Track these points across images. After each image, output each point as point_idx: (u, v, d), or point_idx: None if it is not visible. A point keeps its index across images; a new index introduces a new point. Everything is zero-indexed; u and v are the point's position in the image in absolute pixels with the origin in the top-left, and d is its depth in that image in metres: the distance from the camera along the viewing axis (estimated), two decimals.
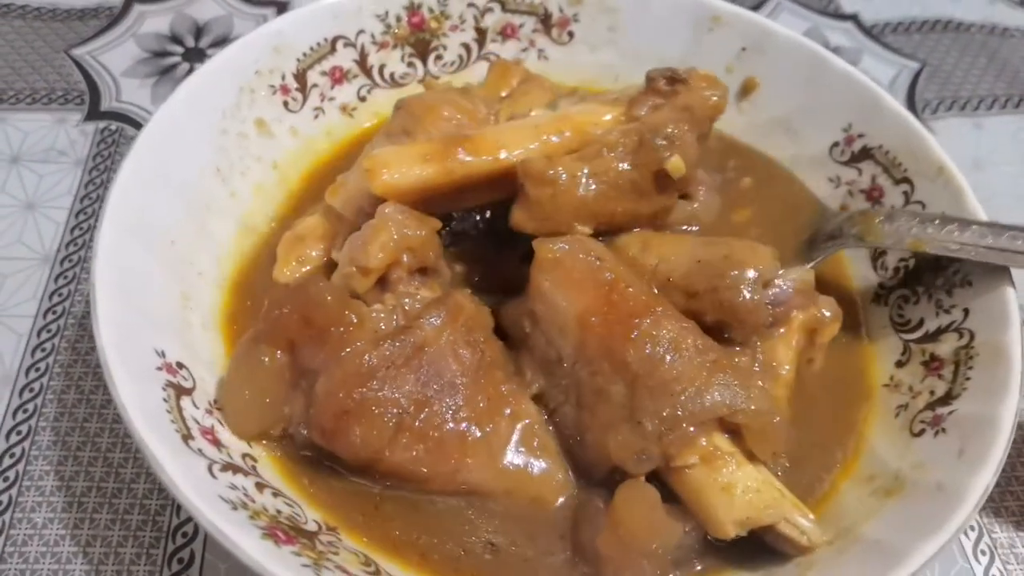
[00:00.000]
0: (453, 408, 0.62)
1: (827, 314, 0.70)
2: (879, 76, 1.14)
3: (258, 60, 0.83)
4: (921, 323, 0.74)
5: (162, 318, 0.66)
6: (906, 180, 0.80)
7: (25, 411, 0.74)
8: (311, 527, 0.59)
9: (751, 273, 0.65)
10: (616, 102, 0.73)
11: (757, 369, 0.66)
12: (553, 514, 0.63)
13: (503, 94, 0.84)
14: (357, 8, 0.88)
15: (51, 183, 0.92)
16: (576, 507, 0.63)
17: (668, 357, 0.59)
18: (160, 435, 0.55)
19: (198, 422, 0.60)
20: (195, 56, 1.08)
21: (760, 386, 0.61)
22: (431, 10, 0.91)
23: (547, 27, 0.95)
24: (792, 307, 0.68)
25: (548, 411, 0.65)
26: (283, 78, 0.85)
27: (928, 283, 0.75)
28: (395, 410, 0.60)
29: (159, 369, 0.61)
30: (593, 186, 0.67)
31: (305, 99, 0.87)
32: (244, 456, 0.62)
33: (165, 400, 0.59)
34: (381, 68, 0.91)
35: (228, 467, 0.58)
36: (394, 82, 0.92)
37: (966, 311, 0.70)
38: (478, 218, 0.79)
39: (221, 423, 0.63)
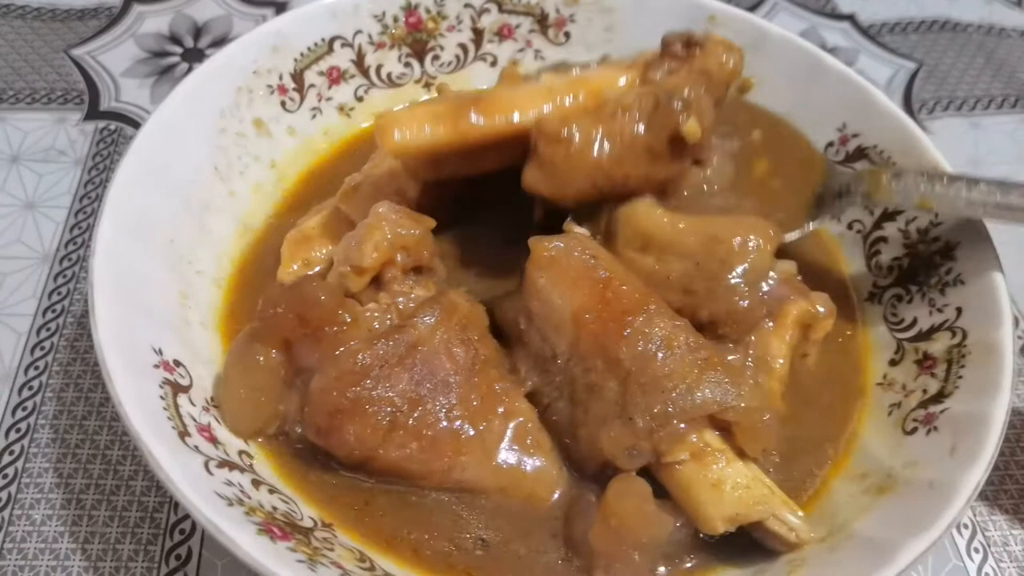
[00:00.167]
0: (447, 406, 0.63)
1: (821, 310, 0.70)
2: (876, 76, 1.15)
3: (256, 60, 0.83)
4: (915, 322, 0.74)
5: (160, 316, 0.66)
6: None
7: (24, 409, 0.74)
8: (307, 523, 0.59)
9: (741, 267, 0.65)
10: (632, 66, 0.72)
11: (750, 363, 0.67)
12: (547, 511, 0.63)
13: None
14: (354, 8, 0.88)
15: (51, 182, 0.93)
16: (568, 502, 0.63)
17: (660, 354, 0.60)
18: (157, 432, 0.55)
19: (195, 419, 0.61)
20: (194, 56, 1.09)
21: (751, 384, 0.62)
22: (428, 11, 0.92)
23: (544, 28, 0.95)
24: (781, 298, 0.68)
25: (542, 408, 0.66)
26: (281, 78, 0.85)
27: (922, 282, 0.75)
28: (389, 408, 0.61)
29: (156, 367, 0.62)
30: (607, 148, 0.66)
31: (303, 99, 0.87)
32: (240, 453, 0.62)
33: (162, 397, 0.59)
34: (378, 68, 0.92)
35: (224, 464, 0.59)
36: (391, 82, 0.92)
37: (959, 310, 0.71)
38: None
39: (218, 420, 0.63)
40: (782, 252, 0.75)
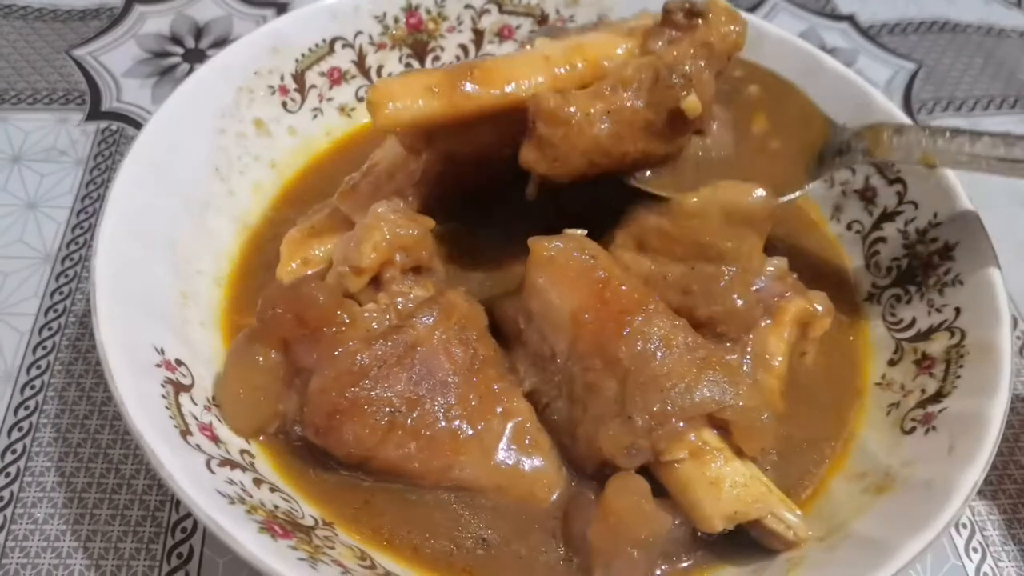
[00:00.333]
0: (445, 406, 0.63)
1: (819, 308, 0.71)
2: (876, 77, 1.15)
3: (257, 60, 0.83)
4: (913, 322, 0.74)
5: (161, 315, 0.66)
6: (899, 180, 0.80)
7: (26, 408, 0.75)
8: (308, 522, 0.60)
9: (732, 268, 0.66)
10: (631, 33, 0.70)
11: (748, 363, 0.67)
12: (546, 511, 0.63)
13: None
14: (355, 9, 0.89)
15: (52, 182, 0.93)
16: (567, 500, 0.63)
17: (659, 354, 0.60)
18: (159, 431, 0.56)
19: (196, 418, 0.61)
20: (195, 57, 1.09)
21: (749, 383, 0.62)
22: (429, 11, 0.92)
23: None
24: (778, 296, 0.69)
25: (541, 407, 0.66)
26: (282, 79, 0.86)
27: (920, 282, 0.76)
28: (387, 408, 0.61)
29: (158, 366, 0.62)
30: (606, 125, 0.65)
31: (303, 99, 0.88)
32: (242, 452, 0.62)
33: (164, 396, 0.60)
34: (379, 69, 0.92)
35: (226, 463, 0.59)
36: None
37: (957, 310, 0.71)
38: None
39: (219, 419, 0.63)
40: (777, 249, 0.76)
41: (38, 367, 0.78)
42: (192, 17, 1.14)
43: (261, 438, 0.65)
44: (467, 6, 0.93)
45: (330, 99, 0.90)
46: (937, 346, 0.71)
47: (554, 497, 0.64)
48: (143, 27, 1.12)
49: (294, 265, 0.74)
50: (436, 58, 0.94)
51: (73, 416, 0.74)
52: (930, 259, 0.75)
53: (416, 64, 0.93)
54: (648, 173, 0.71)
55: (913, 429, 0.67)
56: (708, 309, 0.67)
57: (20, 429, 0.73)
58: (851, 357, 0.76)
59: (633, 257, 0.71)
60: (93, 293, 0.61)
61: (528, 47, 0.71)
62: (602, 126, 0.65)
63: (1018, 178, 0.66)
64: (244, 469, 0.60)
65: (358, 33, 0.90)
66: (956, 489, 0.58)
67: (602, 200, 0.79)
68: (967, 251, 0.73)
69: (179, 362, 0.64)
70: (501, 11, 0.94)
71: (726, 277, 0.67)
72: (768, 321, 0.69)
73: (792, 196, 0.73)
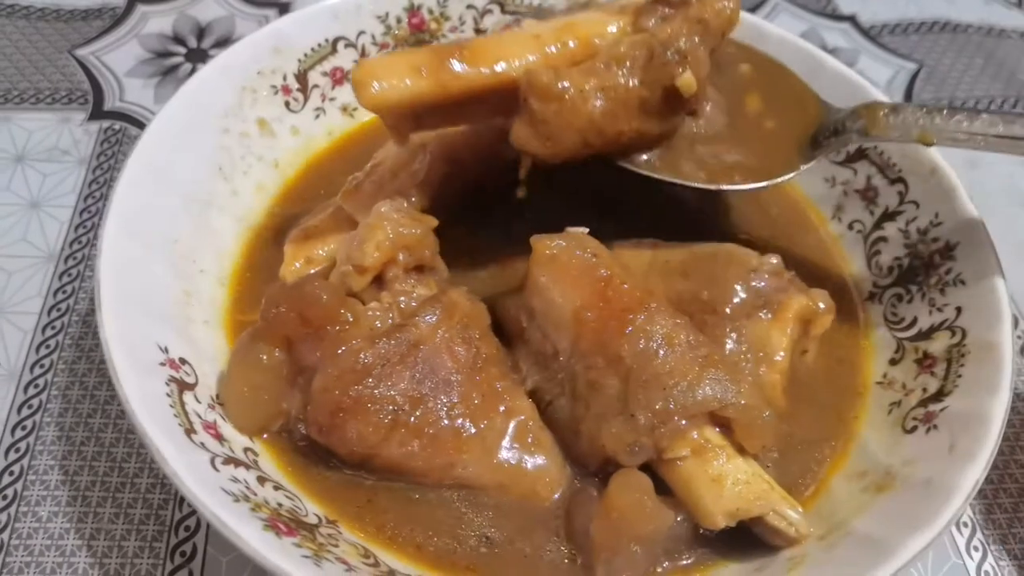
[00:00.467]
0: (448, 405, 0.63)
1: (821, 306, 0.71)
2: (877, 77, 1.15)
3: (260, 60, 0.84)
4: (914, 321, 0.75)
5: (165, 314, 0.67)
6: (900, 180, 0.81)
7: (30, 407, 0.75)
8: (311, 520, 0.60)
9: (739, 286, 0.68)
10: (623, 11, 0.69)
11: (748, 360, 0.67)
12: (549, 509, 0.64)
13: None
14: (356, 9, 0.89)
15: (55, 182, 0.93)
16: (570, 497, 0.64)
17: (661, 352, 0.61)
18: (164, 429, 0.56)
19: (200, 416, 0.61)
20: (198, 56, 1.09)
21: (750, 381, 0.62)
22: (431, 11, 0.92)
23: None
24: (778, 291, 0.69)
25: (543, 405, 0.66)
26: (284, 78, 0.86)
27: (922, 282, 0.76)
28: (390, 407, 0.61)
29: (162, 364, 0.62)
30: (600, 102, 0.63)
31: (306, 99, 0.88)
32: (245, 450, 0.63)
33: (168, 395, 0.60)
34: None
35: (230, 461, 0.59)
36: None
37: (958, 309, 0.71)
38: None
39: (223, 418, 0.64)
40: (779, 248, 0.76)
41: (41, 366, 0.78)
42: (194, 17, 1.14)
43: (265, 436, 0.65)
44: (469, 6, 0.93)
45: (332, 99, 0.90)
46: (938, 345, 0.71)
47: (556, 495, 0.64)
48: (145, 27, 1.12)
49: (297, 264, 0.74)
50: None
51: (76, 415, 0.75)
52: (931, 259, 0.76)
53: None
54: (643, 157, 0.70)
55: (914, 428, 0.67)
56: (711, 291, 0.67)
57: (24, 427, 0.74)
58: (852, 356, 0.76)
59: (634, 252, 0.71)
60: (97, 293, 0.62)
61: (516, 29, 0.70)
62: (596, 103, 0.63)
63: (1018, 155, 0.65)
64: (248, 467, 0.60)
65: (360, 33, 0.90)
66: (957, 488, 0.58)
67: (603, 196, 0.80)
68: (968, 251, 0.73)
69: (183, 361, 0.64)
70: (503, 11, 0.94)
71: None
72: (768, 315, 0.69)
73: (786, 177, 0.73)
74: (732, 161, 0.72)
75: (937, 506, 0.57)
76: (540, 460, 0.65)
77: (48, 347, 0.79)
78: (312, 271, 0.74)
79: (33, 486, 0.70)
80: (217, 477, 0.56)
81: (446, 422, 0.63)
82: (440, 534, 0.62)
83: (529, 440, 0.65)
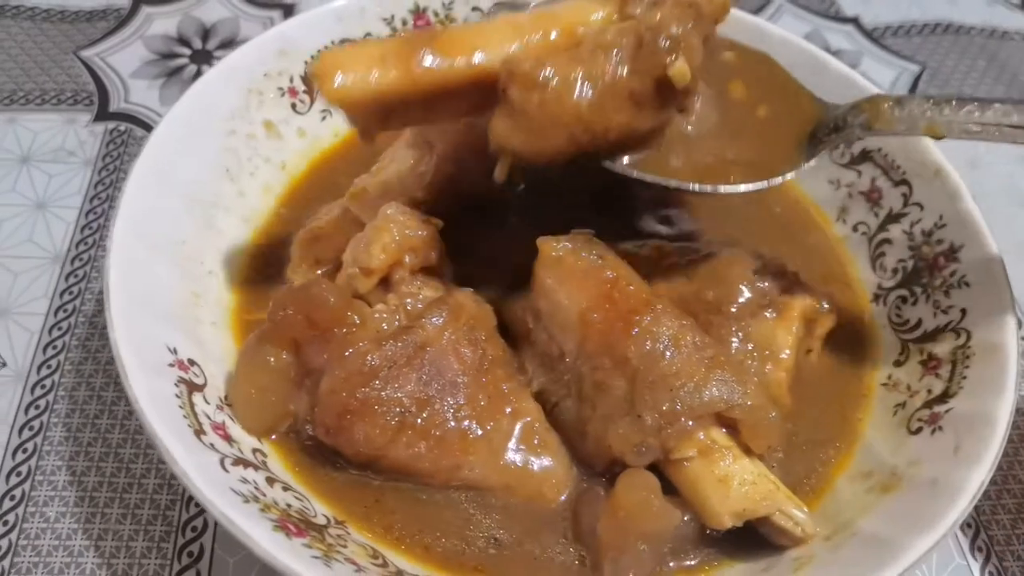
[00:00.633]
0: (454, 406, 0.64)
1: (825, 306, 0.71)
2: (880, 79, 1.15)
3: (266, 63, 0.84)
4: (919, 323, 0.75)
5: (173, 316, 0.67)
6: (904, 182, 0.81)
7: (37, 407, 0.75)
8: (320, 520, 0.60)
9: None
10: None
11: (754, 362, 0.67)
12: (557, 511, 0.64)
13: None
14: (361, 12, 0.89)
15: (61, 183, 0.93)
16: (577, 496, 0.64)
17: (668, 353, 0.61)
18: (173, 430, 0.56)
19: (209, 417, 0.62)
20: (202, 58, 1.09)
21: (756, 382, 0.63)
22: (436, 14, 0.92)
23: None
24: (778, 291, 0.69)
25: (550, 407, 0.67)
26: (291, 80, 0.86)
27: (926, 284, 0.76)
28: (397, 409, 0.62)
29: (171, 366, 0.62)
30: (588, 92, 0.58)
31: (312, 101, 0.88)
32: (254, 451, 0.63)
33: (177, 396, 0.60)
34: None
35: (239, 462, 0.59)
36: None
37: (963, 311, 0.72)
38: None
39: (231, 419, 0.64)
40: (783, 249, 0.76)
41: (48, 366, 0.78)
42: (199, 18, 1.14)
43: (273, 437, 0.65)
44: (474, 8, 0.93)
45: None
46: (943, 347, 0.71)
47: (563, 497, 0.64)
48: (150, 28, 1.12)
49: (304, 266, 0.74)
50: None
51: (84, 415, 0.75)
52: (936, 260, 0.76)
53: None
54: (627, 159, 0.65)
55: (919, 429, 0.67)
56: (715, 291, 0.67)
57: (31, 428, 0.74)
58: (857, 358, 0.76)
59: (637, 252, 0.71)
60: (107, 294, 0.62)
61: (492, 19, 0.64)
62: (583, 94, 0.58)
63: None
64: (257, 468, 0.61)
65: (366, 35, 0.90)
66: (963, 489, 0.58)
67: (605, 195, 0.80)
68: (972, 253, 0.73)
69: (191, 362, 0.65)
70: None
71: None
72: (773, 315, 0.69)
73: (787, 176, 0.69)
74: (727, 160, 0.69)
75: (943, 507, 0.57)
76: (546, 461, 0.65)
77: (55, 348, 0.79)
78: (319, 273, 0.74)
79: (41, 487, 0.70)
80: (227, 478, 0.56)
81: (452, 424, 0.63)
82: (448, 535, 0.62)
83: (535, 441, 0.65)
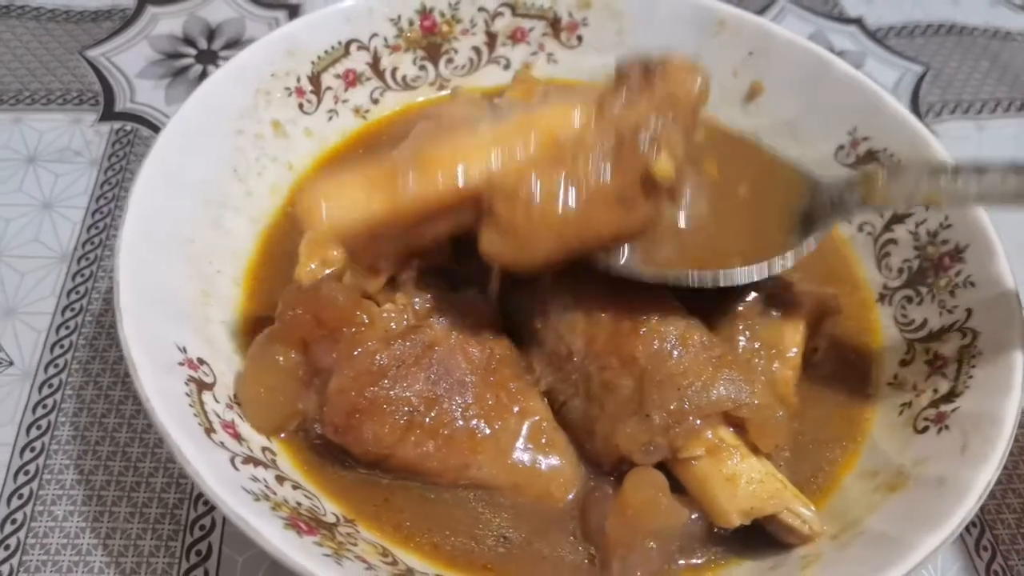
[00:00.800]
0: (462, 406, 0.64)
1: (831, 306, 0.72)
2: (883, 79, 1.16)
3: (273, 63, 0.84)
4: (925, 323, 0.75)
5: (183, 314, 0.67)
6: None
7: (45, 406, 0.75)
8: (330, 519, 0.60)
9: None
10: (585, 100, 0.63)
11: (760, 348, 0.67)
12: (565, 510, 0.64)
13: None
14: (368, 12, 0.89)
15: (67, 182, 0.93)
16: (585, 495, 0.64)
17: (675, 352, 0.61)
18: (184, 429, 0.56)
19: (219, 416, 0.62)
20: (208, 58, 1.10)
21: (763, 380, 0.63)
22: (443, 14, 0.93)
23: (556, 31, 0.96)
24: (784, 289, 0.70)
25: (557, 406, 0.67)
26: (298, 80, 0.86)
27: (932, 284, 0.76)
28: (406, 408, 0.62)
29: (181, 364, 0.62)
30: (574, 200, 0.58)
31: (320, 101, 0.88)
32: (264, 450, 0.63)
33: (188, 395, 0.60)
34: (393, 71, 0.93)
35: (249, 460, 0.60)
36: (406, 85, 0.93)
37: (969, 311, 0.72)
38: None
39: (241, 417, 0.64)
40: None
41: (55, 365, 0.78)
42: (204, 18, 1.15)
43: (282, 436, 0.66)
44: (480, 9, 0.93)
45: (345, 101, 0.90)
46: (949, 347, 0.71)
47: (571, 496, 0.65)
48: (155, 28, 1.13)
49: (313, 266, 0.74)
50: (449, 60, 0.95)
51: (91, 414, 0.75)
52: (941, 261, 0.76)
53: (430, 66, 0.94)
54: (624, 256, 0.64)
55: (926, 428, 0.67)
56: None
57: (39, 427, 0.74)
58: (862, 357, 0.76)
59: None
60: (116, 293, 0.62)
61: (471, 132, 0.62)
62: (569, 200, 0.58)
63: None
64: (267, 466, 0.61)
65: (373, 35, 0.90)
66: (970, 487, 0.58)
67: None
68: (977, 253, 0.73)
69: (201, 360, 0.65)
70: (514, 14, 0.95)
71: None
72: (780, 314, 0.69)
73: (787, 263, 0.67)
74: (724, 242, 0.67)
75: (950, 505, 0.58)
76: (554, 461, 0.65)
77: (62, 347, 0.79)
78: (327, 272, 0.74)
79: (49, 485, 0.70)
80: (237, 476, 0.56)
81: (461, 423, 0.64)
82: (457, 533, 0.62)
83: (543, 441, 0.65)
